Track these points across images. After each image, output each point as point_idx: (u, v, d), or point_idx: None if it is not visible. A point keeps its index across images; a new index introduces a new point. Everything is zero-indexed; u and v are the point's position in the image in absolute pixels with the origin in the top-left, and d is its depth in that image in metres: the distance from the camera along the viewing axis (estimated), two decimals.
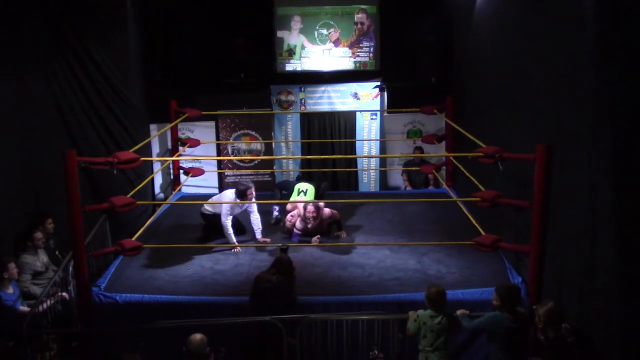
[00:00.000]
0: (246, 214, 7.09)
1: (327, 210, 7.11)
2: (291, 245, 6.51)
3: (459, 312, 5.04)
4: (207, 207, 7.05)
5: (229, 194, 6.96)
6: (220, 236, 6.99)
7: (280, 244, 6.06)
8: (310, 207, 6.83)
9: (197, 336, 4.49)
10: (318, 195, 7.65)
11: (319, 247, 6.75)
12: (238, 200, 6.80)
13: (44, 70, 7.58)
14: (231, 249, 6.81)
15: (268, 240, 7.01)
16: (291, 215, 7.15)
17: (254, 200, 6.94)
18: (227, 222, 6.77)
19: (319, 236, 6.96)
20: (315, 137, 9.70)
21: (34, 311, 5.51)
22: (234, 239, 6.81)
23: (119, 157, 5.85)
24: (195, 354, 4.42)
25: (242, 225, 7.30)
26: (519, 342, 4.78)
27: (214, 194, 7.71)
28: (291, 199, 7.50)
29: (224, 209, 6.77)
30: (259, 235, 7.02)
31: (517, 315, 4.75)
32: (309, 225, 6.92)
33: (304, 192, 7.53)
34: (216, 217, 6.90)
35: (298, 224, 6.99)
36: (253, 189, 6.89)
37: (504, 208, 5.97)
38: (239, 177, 9.77)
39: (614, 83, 4.01)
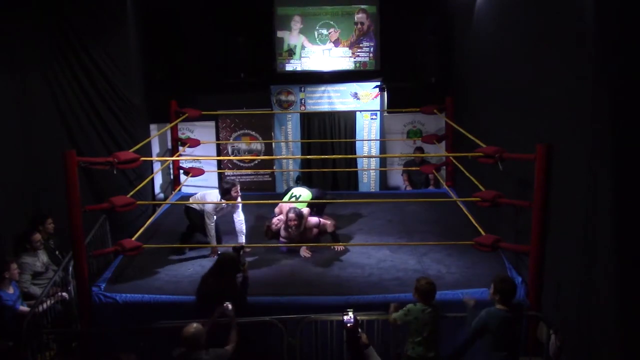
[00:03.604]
0: (227, 215, 6.75)
1: (313, 220, 6.65)
2: (282, 245, 6.45)
3: (465, 298, 5.06)
4: (192, 204, 6.75)
5: (215, 194, 6.66)
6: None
7: (233, 244, 5.98)
8: (292, 215, 6.41)
9: (192, 326, 4.53)
10: (315, 204, 7.12)
11: (319, 247, 6.72)
12: (223, 201, 6.49)
13: (44, 71, 7.57)
14: (210, 253, 6.56)
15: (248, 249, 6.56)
16: (277, 219, 6.72)
17: (239, 199, 6.62)
18: (212, 223, 6.49)
19: (305, 249, 6.63)
20: (315, 137, 9.70)
21: (34, 311, 5.50)
22: (214, 241, 6.53)
23: (119, 157, 5.85)
24: (195, 345, 4.47)
25: (219, 234, 6.82)
26: (514, 334, 4.80)
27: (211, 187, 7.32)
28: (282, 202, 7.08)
29: (209, 208, 6.47)
30: (242, 240, 6.66)
31: (512, 307, 4.77)
32: (291, 233, 6.54)
33: (295, 198, 7.07)
34: (201, 214, 6.59)
35: (282, 232, 6.63)
36: (238, 187, 6.56)
37: (504, 208, 5.97)
38: (239, 177, 9.78)
39: (614, 83, 4.01)
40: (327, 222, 6.75)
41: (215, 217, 6.55)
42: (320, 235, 6.72)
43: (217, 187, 6.76)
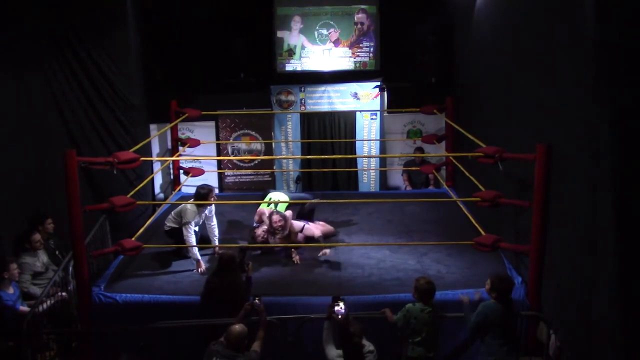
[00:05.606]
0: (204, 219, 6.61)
1: (297, 224, 6.61)
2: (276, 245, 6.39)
3: (460, 296, 5.11)
4: (168, 223, 6.63)
5: (190, 206, 6.45)
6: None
7: (240, 245, 5.94)
8: (276, 217, 6.39)
9: (238, 326, 4.55)
10: (303, 210, 7.11)
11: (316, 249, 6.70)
12: (200, 208, 6.38)
13: (43, 70, 7.57)
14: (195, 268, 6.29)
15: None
16: (263, 231, 6.56)
17: (213, 206, 6.59)
18: (191, 235, 6.26)
19: (294, 254, 6.51)
20: (315, 137, 9.70)
21: (34, 311, 5.50)
22: (197, 255, 6.29)
23: (119, 157, 5.85)
24: (236, 345, 4.49)
25: (208, 238, 6.77)
26: (511, 329, 4.84)
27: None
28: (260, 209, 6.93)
29: (186, 220, 6.30)
30: (216, 243, 6.69)
31: (508, 303, 4.80)
32: (278, 237, 6.45)
33: (274, 206, 6.84)
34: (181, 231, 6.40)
35: (270, 239, 6.51)
36: (214, 193, 6.58)
37: (504, 208, 5.97)
38: (239, 177, 9.78)
39: (614, 83, 4.01)
40: (315, 232, 6.64)
41: (193, 227, 6.37)
42: (307, 241, 6.63)
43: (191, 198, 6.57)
